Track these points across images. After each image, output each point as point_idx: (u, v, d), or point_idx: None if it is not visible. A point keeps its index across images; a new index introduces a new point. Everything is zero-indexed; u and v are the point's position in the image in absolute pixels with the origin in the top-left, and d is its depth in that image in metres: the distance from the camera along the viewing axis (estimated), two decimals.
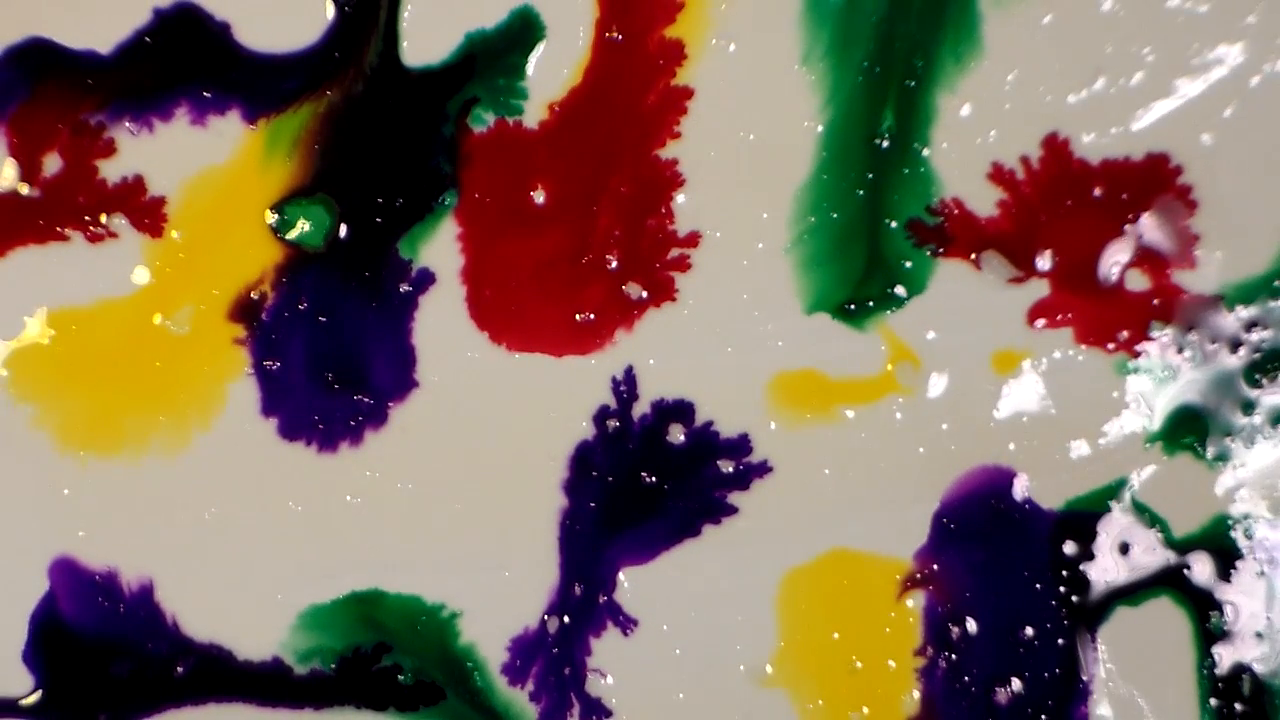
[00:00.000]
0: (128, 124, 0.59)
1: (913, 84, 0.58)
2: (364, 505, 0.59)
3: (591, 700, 0.59)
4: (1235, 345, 0.57)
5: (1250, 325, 0.57)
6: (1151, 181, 0.57)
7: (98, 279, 0.60)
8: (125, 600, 0.60)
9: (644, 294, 0.59)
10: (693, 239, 0.58)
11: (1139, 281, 0.57)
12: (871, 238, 0.58)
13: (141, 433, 0.60)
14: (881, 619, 0.58)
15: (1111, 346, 0.58)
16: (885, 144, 0.58)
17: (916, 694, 0.58)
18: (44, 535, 0.60)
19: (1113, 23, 0.57)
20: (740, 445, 0.58)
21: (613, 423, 0.59)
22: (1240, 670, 0.57)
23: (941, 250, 0.58)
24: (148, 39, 0.59)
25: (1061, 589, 0.58)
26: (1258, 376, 0.57)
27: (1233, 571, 0.57)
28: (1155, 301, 0.57)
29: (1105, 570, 0.58)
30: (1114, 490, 0.58)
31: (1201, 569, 0.57)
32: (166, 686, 0.60)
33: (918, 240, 0.58)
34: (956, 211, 0.58)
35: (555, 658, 0.59)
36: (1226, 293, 0.57)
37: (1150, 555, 0.58)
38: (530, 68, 0.59)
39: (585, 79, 0.59)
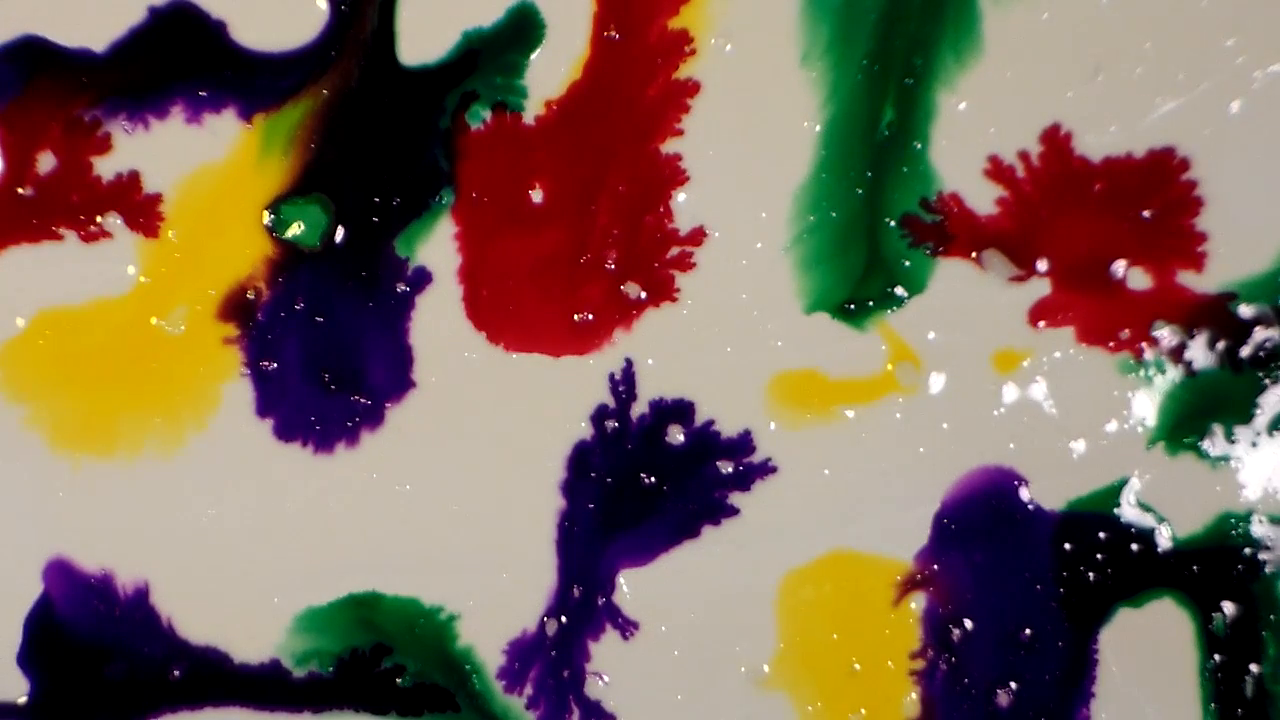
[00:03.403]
0: (123, 122, 0.59)
1: (912, 82, 0.58)
2: (361, 506, 0.59)
3: (591, 703, 0.59)
4: (1238, 343, 0.57)
5: (1253, 323, 0.57)
6: (1155, 178, 0.57)
7: (92, 278, 0.59)
8: (120, 603, 0.59)
9: (642, 294, 0.59)
10: (696, 236, 0.58)
11: (1141, 280, 0.57)
12: (871, 237, 0.58)
13: (136, 434, 0.59)
14: (882, 621, 0.58)
15: (1113, 345, 0.57)
16: (885, 143, 0.58)
17: (916, 696, 0.58)
18: (38, 537, 0.59)
19: (1113, 19, 0.57)
20: (742, 444, 0.58)
21: (611, 423, 0.59)
22: (1243, 672, 0.57)
23: (939, 248, 0.58)
24: (143, 37, 0.59)
25: (1063, 590, 0.58)
26: (1260, 375, 0.57)
27: (1236, 572, 0.57)
28: (1158, 300, 0.57)
29: (1107, 571, 0.57)
30: (1116, 490, 0.57)
31: (1204, 569, 0.57)
32: (162, 690, 0.60)
33: (915, 238, 0.58)
34: (956, 209, 0.58)
35: (554, 661, 0.59)
36: (1239, 290, 0.56)
37: (1153, 556, 0.57)
38: (529, 66, 0.58)
39: (584, 76, 0.58)
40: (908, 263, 0.58)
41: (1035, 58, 0.57)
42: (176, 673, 0.59)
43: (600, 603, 0.59)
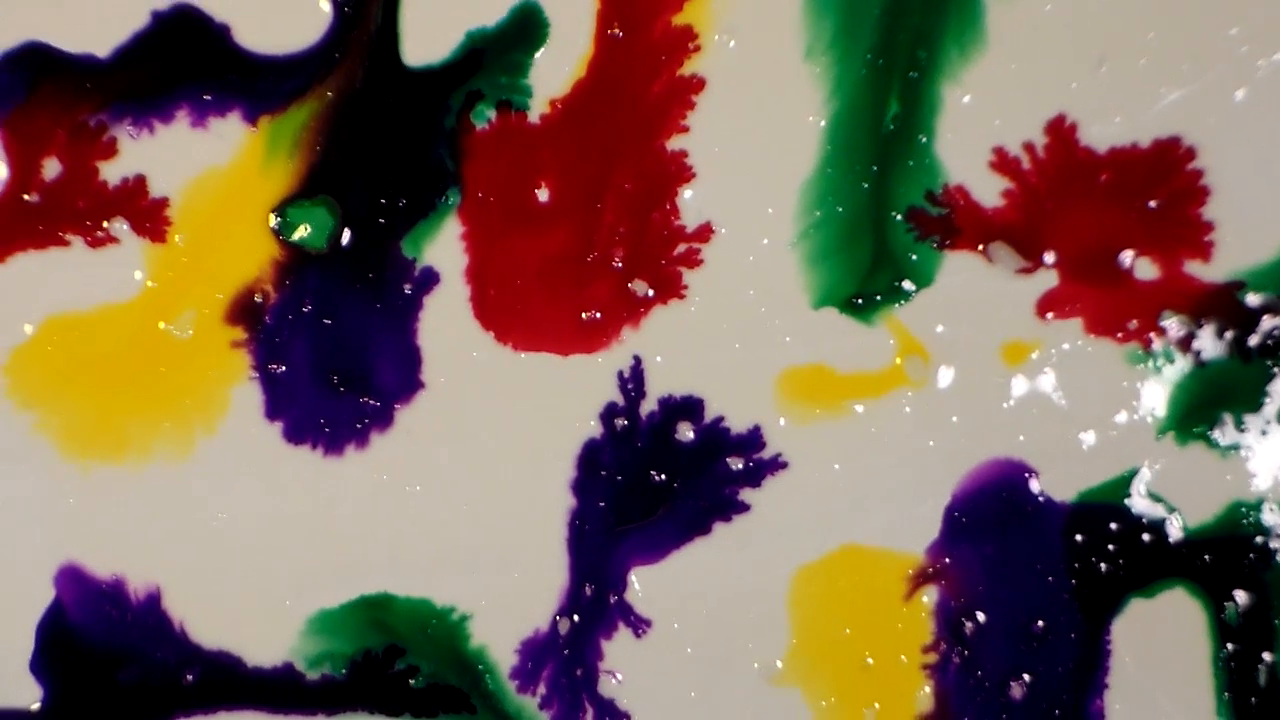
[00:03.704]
0: (128, 126, 0.59)
1: (916, 75, 0.57)
2: (371, 508, 0.59)
3: (604, 702, 0.59)
4: (1246, 332, 0.57)
5: (1261, 311, 0.57)
6: (1161, 168, 0.57)
7: (99, 284, 0.59)
8: (132, 608, 0.59)
9: (650, 291, 0.59)
10: (703, 233, 0.58)
11: (1148, 270, 0.57)
12: (878, 231, 0.58)
13: (145, 438, 0.59)
14: (894, 615, 0.58)
15: (1121, 336, 0.57)
16: (890, 136, 0.58)
17: (929, 690, 0.58)
18: (49, 543, 0.59)
19: (1116, 10, 0.57)
20: (751, 440, 0.58)
21: (621, 421, 0.59)
22: (1257, 660, 0.57)
23: (946, 241, 0.58)
24: (147, 41, 0.59)
25: (1074, 581, 0.58)
26: (1269, 363, 0.57)
27: (1247, 560, 0.57)
28: (1165, 290, 0.57)
29: (1119, 562, 0.57)
30: (1126, 481, 0.57)
31: (1216, 559, 0.57)
32: (175, 694, 0.59)
33: (920, 232, 0.58)
34: (962, 202, 0.57)
35: (566, 660, 0.59)
36: (1246, 279, 0.56)
37: (1164, 546, 0.57)
38: (534, 65, 0.58)
39: (589, 74, 0.58)
40: (915, 256, 0.58)
41: (1039, 49, 0.57)
42: (190, 677, 0.59)
43: (612, 601, 0.59)
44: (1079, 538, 0.58)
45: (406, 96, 0.59)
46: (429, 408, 0.59)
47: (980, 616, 0.58)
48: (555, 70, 0.58)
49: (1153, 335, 0.57)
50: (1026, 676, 0.58)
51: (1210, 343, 0.57)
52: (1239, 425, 0.57)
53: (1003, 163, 0.57)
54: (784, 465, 0.58)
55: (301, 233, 0.59)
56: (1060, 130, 0.57)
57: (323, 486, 0.59)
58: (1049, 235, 0.57)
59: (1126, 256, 0.57)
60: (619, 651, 0.59)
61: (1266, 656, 0.57)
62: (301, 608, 0.59)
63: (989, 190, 0.58)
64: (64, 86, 0.59)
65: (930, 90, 0.58)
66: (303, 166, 0.59)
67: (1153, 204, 0.57)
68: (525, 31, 0.58)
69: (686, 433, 0.59)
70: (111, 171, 0.59)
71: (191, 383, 0.59)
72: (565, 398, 0.59)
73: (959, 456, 0.58)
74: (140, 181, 0.59)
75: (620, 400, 0.59)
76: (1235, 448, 0.57)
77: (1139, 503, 0.57)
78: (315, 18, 0.59)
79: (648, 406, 0.59)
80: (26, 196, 0.59)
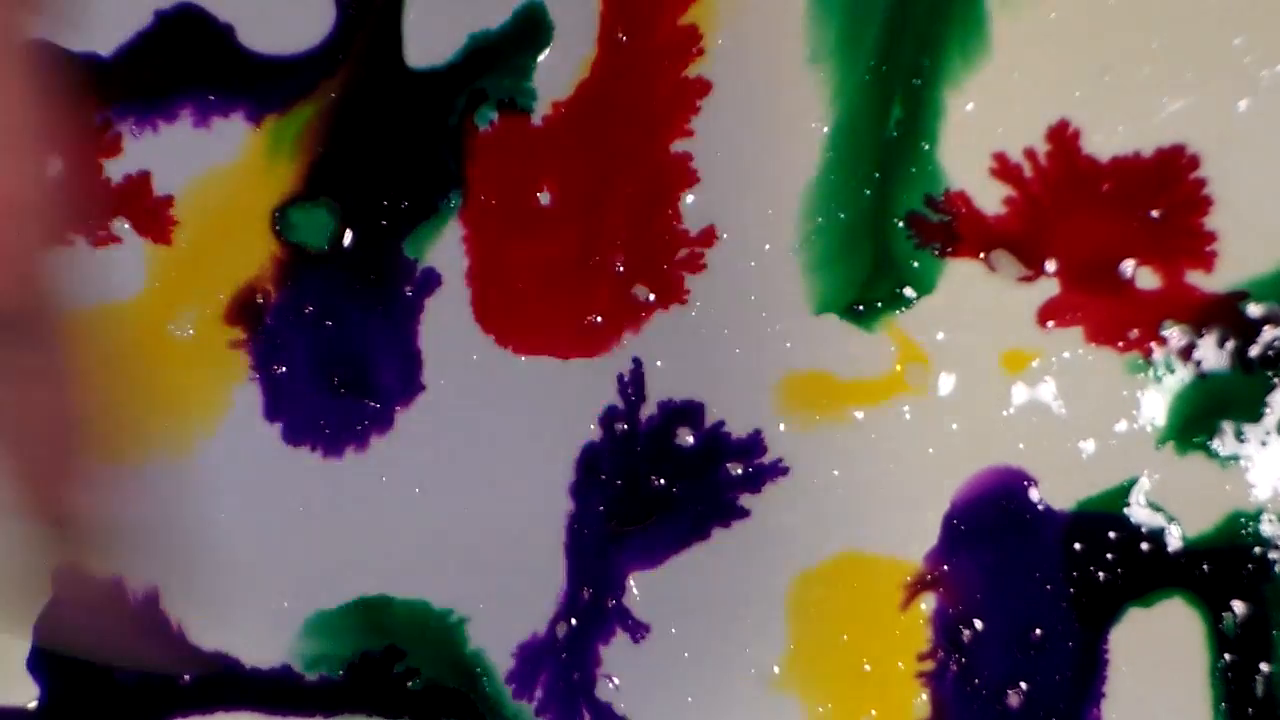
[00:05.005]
0: (131, 126, 0.59)
1: (919, 82, 0.57)
2: (370, 510, 0.59)
3: (601, 707, 0.59)
4: (1248, 342, 0.57)
5: (1263, 322, 0.57)
6: (1163, 177, 0.57)
7: (100, 283, 0.59)
8: (130, 608, 0.59)
9: (651, 295, 0.59)
10: (706, 237, 0.58)
11: (1149, 280, 0.57)
12: (879, 237, 0.58)
13: (144, 437, 0.59)
14: (892, 622, 0.58)
15: (1122, 345, 0.57)
16: (893, 143, 0.58)
17: (926, 697, 0.58)
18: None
19: (1120, 18, 0.57)
20: (751, 446, 0.58)
21: (620, 425, 0.59)
22: (1254, 671, 0.57)
23: (946, 248, 0.58)
24: (150, 40, 0.59)
25: (1073, 590, 0.58)
26: (1270, 374, 0.57)
27: (1246, 571, 0.57)
28: (1167, 300, 0.57)
29: (1117, 571, 0.57)
30: (1126, 490, 0.57)
31: (1214, 569, 0.57)
32: (173, 695, 0.59)
33: (921, 238, 0.58)
34: (963, 209, 0.57)
35: (564, 664, 0.59)
36: (1248, 289, 0.56)
37: (1163, 555, 0.57)
38: (537, 68, 0.58)
39: (592, 76, 0.58)
40: (916, 263, 0.58)
41: (1042, 57, 0.57)
42: (187, 677, 0.59)
43: (610, 605, 0.59)
44: (1078, 546, 0.58)
45: (409, 98, 0.59)
46: (429, 410, 0.59)
47: (978, 624, 0.58)
48: (559, 72, 0.59)
49: (1153, 345, 0.57)
50: (1024, 685, 0.58)
51: (1211, 353, 0.57)
52: (1239, 436, 0.57)
53: (1004, 170, 0.57)
54: (784, 471, 0.58)
55: (303, 233, 0.59)
56: (1062, 138, 0.57)
57: (322, 488, 0.59)
58: (1050, 243, 0.57)
59: (1128, 266, 0.57)
60: (616, 656, 0.59)
61: (1264, 668, 0.57)
62: (300, 609, 0.59)
63: (991, 197, 0.58)
64: (67, 85, 0.59)
65: (933, 97, 0.58)
66: (305, 167, 0.59)
67: (1155, 213, 0.57)
68: (529, 33, 0.58)
69: (686, 437, 0.59)
70: (115, 170, 0.59)
71: (191, 382, 0.59)
72: (565, 401, 0.59)
73: (958, 464, 0.58)
74: (143, 180, 0.59)
75: (620, 404, 0.59)
76: (1235, 458, 0.57)
77: (1138, 512, 0.57)
78: (319, 18, 0.59)
79: (648, 411, 0.59)
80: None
